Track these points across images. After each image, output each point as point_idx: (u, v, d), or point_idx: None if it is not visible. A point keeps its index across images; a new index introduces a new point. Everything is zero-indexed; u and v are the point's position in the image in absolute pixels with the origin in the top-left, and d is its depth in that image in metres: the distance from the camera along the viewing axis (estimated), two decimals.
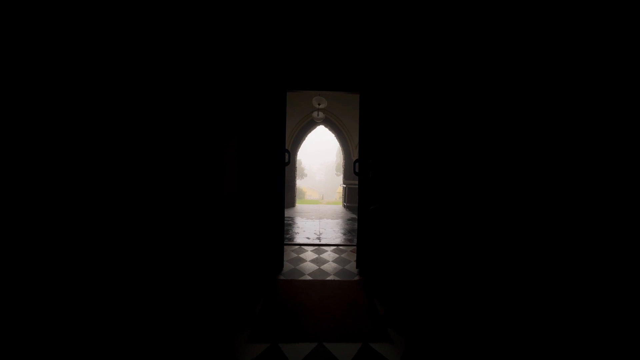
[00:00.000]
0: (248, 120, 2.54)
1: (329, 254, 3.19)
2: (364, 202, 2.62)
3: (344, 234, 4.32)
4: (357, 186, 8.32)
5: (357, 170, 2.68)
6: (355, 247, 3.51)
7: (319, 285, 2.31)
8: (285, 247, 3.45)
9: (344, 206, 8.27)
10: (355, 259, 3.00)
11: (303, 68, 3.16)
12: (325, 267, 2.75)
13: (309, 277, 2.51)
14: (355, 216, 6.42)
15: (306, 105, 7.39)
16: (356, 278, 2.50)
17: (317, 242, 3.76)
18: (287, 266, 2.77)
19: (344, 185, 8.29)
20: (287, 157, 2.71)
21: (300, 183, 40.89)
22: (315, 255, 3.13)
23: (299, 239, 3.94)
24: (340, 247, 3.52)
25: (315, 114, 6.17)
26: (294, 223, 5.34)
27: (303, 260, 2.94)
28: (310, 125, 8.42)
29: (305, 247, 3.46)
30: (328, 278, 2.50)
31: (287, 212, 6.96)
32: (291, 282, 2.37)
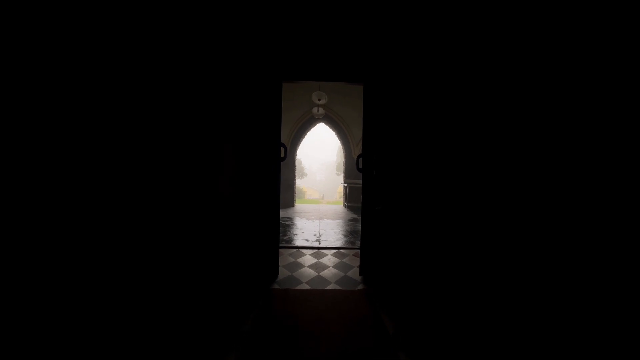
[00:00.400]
0: (241, 113, 2.28)
1: (329, 259, 2.93)
2: (368, 202, 2.36)
3: (345, 236, 4.06)
4: (358, 185, 8.09)
5: (360, 166, 2.42)
6: (358, 250, 3.25)
7: (318, 296, 2.04)
8: (281, 250, 3.20)
9: (345, 206, 8.01)
10: (358, 264, 2.74)
11: (300, 56, 2.90)
12: (325, 273, 2.49)
13: (306, 286, 2.25)
14: (356, 216, 6.17)
15: (306, 101, 7.13)
16: (360, 287, 2.24)
17: (316, 244, 3.50)
18: (283, 272, 2.51)
19: (345, 185, 8.03)
20: (283, 152, 2.46)
21: (300, 183, 40.63)
22: (314, 260, 2.87)
23: (298, 241, 3.69)
24: (342, 250, 3.26)
25: (315, 110, 5.91)
26: (292, 224, 5.08)
27: (301, 266, 2.68)
28: (310, 123, 8.16)
29: (303, 251, 3.20)
30: (328, 287, 2.24)
31: (286, 212, 6.71)
32: (287, 292, 2.11)
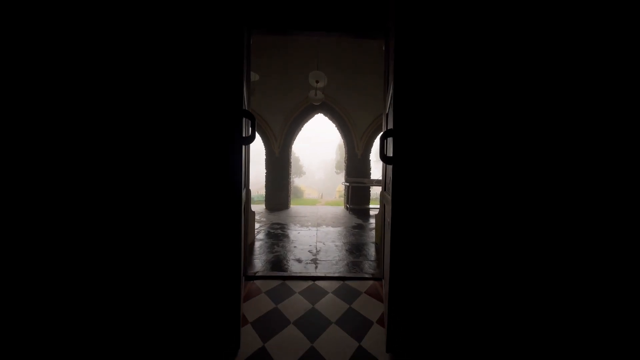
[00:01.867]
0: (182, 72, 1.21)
1: (330, 302, 1.86)
2: (405, 211, 1.28)
3: (351, 253, 3.00)
4: (362, 185, 6.97)
5: (389, 152, 1.34)
6: (373, 282, 2.19)
7: None
8: (259, 283, 2.13)
9: (347, 208, 6.95)
10: (378, 316, 1.67)
11: None
12: (322, 344, 1.42)
13: None
14: (361, 222, 5.11)
15: (301, 87, 6.04)
16: None
17: (311, 270, 2.43)
18: (249, 341, 1.44)
19: (347, 184, 6.96)
20: (249, 128, 1.39)
21: (298, 181, 39.48)
22: (306, 305, 1.80)
23: (287, 262, 2.63)
24: (349, 282, 2.20)
25: (312, 93, 4.83)
26: (283, 234, 4.02)
27: (284, 321, 1.62)
28: (307, 113, 7.08)
29: (291, 284, 2.14)
30: None
31: (278, 217, 5.64)
32: None
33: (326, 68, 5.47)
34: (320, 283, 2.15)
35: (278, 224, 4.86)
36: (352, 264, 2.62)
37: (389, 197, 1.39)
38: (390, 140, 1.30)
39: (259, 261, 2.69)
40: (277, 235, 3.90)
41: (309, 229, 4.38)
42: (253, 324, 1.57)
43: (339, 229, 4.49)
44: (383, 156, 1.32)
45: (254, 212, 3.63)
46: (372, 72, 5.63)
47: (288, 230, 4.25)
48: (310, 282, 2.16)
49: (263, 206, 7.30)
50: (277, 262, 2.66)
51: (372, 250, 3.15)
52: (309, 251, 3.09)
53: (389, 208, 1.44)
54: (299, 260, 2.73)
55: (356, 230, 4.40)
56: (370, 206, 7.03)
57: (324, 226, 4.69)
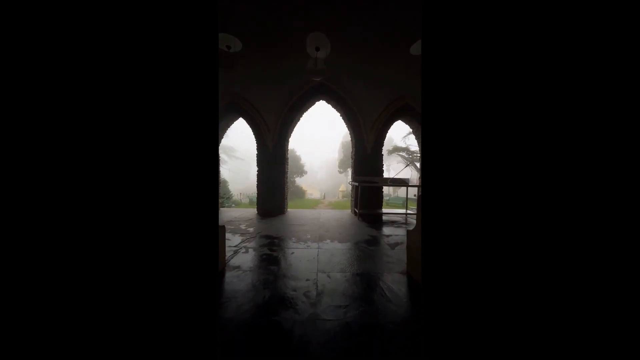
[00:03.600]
0: None
1: None
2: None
3: (368, 290, 1.85)
4: (374, 184, 5.61)
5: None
6: None
7: None
8: None
9: (355, 213, 5.79)
10: None
11: None
12: None
13: None
14: (376, 234, 3.94)
15: (299, 66, 4.88)
16: None
17: (308, 334, 1.28)
18: None
19: (355, 184, 5.79)
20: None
21: (300, 181, 38.15)
22: None
23: (271, 315, 1.48)
24: None
25: (310, 63, 3.68)
26: (271, 255, 2.86)
27: None
28: (305, 100, 5.92)
29: None
30: None
31: (271, 226, 4.50)
32: None
33: (331, 36, 4.29)
34: None
35: (268, 237, 3.71)
36: (369, 315, 1.46)
37: None
38: None
39: (225, 318, 1.54)
40: (263, 258, 2.75)
41: (308, 246, 3.23)
42: None
43: (347, 245, 3.33)
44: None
45: (223, 226, 2.48)
46: (387, 44, 4.44)
47: (279, 249, 3.09)
48: None
49: (255, 210, 6.15)
50: (254, 324, 1.51)
51: (401, 289, 2.00)
52: (306, 293, 1.93)
53: None
54: (291, 305, 1.59)
55: (371, 247, 3.24)
56: (384, 211, 5.84)
57: (328, 240, 3.54)
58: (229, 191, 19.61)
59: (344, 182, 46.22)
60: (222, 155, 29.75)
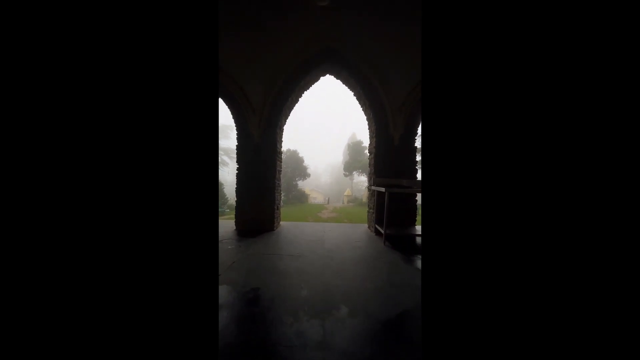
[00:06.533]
0: None
1: None
2: None
3: None
4: (409, 190, 3.60)
5: None
6: None
7: None
8: None
9: (376, 232, 3.99)
10: None
11: None
12: None
13: None
14: (418, 277, 2.17)
15: (299, 22, 3.17)
16: None
17: None
18: None
19: (380, 189, 4.00)
20: None
21: (302, 184, 36.18)
22: None
23: None
24: None
25: None
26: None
27: None
28: (305, 73, 4.18)
29: None
30: None
31: (251, 257, 2.74)
32: None
33: None
34: None
35: (243, 289, 1.95)
36: None
37: None
38: None
39: None
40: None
41: (309, 326, 1.45)
42: None
43: (381, 316, 1.54)
44: None
45: None
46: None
47: (254, 336, 1.31)
48: None
49: (233, 224, 4.39)
50: None
51: None
52: None
53: None
54: None
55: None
56: (419, 230, 3.99)
57: (342, 306, 1.76)
58: (224, 195, 17.93)
59: (349, 186, 44.21)
60: (224, 157, 28.16)
